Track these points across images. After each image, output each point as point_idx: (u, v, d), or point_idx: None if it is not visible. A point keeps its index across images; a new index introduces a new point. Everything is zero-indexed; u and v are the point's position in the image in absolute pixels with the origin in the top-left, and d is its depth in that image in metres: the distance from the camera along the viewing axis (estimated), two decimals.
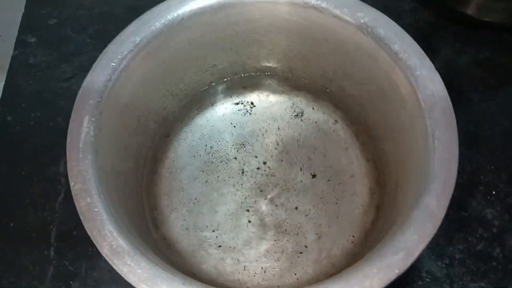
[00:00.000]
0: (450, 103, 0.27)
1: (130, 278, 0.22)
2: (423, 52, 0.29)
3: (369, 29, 0.30)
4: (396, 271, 0.22)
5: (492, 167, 0.38)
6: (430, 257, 0.35)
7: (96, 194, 0.24)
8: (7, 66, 0.44)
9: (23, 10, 0.48)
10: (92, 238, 0.23)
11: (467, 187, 0.37)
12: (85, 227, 0.24)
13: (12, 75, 0.43)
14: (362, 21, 0.30)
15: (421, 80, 0.28)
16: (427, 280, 0.34)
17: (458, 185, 0.37)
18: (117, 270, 0.23)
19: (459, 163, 0.38)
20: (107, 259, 0.23)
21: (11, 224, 0.36)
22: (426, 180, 0.24)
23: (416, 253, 0.22)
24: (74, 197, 0.24)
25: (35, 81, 0.43)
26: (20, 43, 0.45)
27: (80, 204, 0.24)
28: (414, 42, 0.29)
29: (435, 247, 0.35)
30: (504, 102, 0.41)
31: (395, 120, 0.31)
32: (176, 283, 0.22)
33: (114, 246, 0.23)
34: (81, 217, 0.24)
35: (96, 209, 0.24)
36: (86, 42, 0.45)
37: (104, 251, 0.23)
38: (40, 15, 0.47)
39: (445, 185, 0.24)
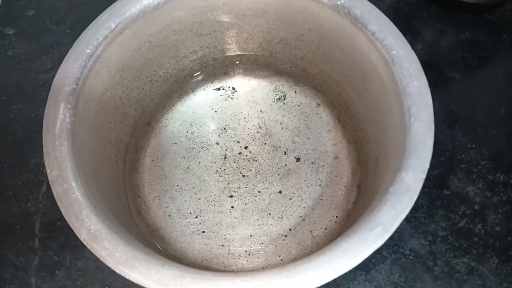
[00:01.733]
0: (426, 81, 0.27)
1: (108, 261, 0.22)
2: (399, 32, 0.29)
3: (346, 10, 0.30)
4: (374, 245, 0.22)
5: (473, 145, 0.39)
6: (413, 235, 0.35)
7: (73, 180, 0.24)
8: None
9: (0, 1, 0.47)
10: (69, 224, 0.23)
11: (448, 165, 0.38)
12: (63, 213, 0.24)
13: None
14: (339, 2, 0.30)
15: (397, 59, 0.28)
16: (411, 257, 0.34)
17: (440, 163, 0.38)
18: (96, 254, 0.23)
19: (440, 141, 0.38)
20: (85, 243, 0.23)
21: None
22: (403, 155, 0.25)
23: (393, 227, 0.23)
24: (51, 183, 0.24)
25: (15, 73, 0.43)
26: None
27: (57, 190, 0.24)
28: (391, 23, 0.29)
29: (418, 225, 0.36)
30: (484, 81, 0.41)
31: (374, 99, 0.31)
32: (154, 265, 0.22)
33: (92, 231, 0.23)
34: (59, 203, 0.24)
35: (73, 195, 0.24)
36: (66, 33, 0.45)
37: (82, 236, 0.23)
38: (18, 7, 0.47)
39: (420, 159, 0.24)
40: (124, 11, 0.30)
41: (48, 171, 0.25)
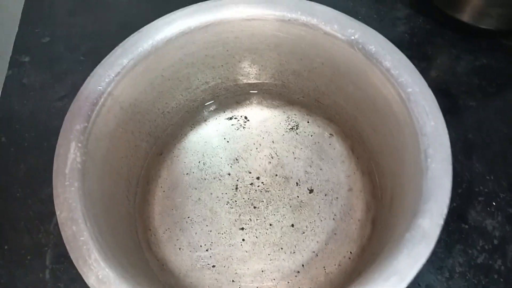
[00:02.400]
0: (443, 120, 0.26)
1: None
2: (415, 69, 0.28)
3: (360, 46, 0.30)
4: None
5: (492, 176, 0.38)
6: (430, 270, 0.34)
7: (82, 222, 0.24)
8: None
9: (17, 29, 0.48)
10: (77, 268, 0.23)
11: (466, 197, 0.37)
12: (71, 256, 0.23)
13: (6, 95, 0.43)
14: (353, 37, 0.30)
15: (413, 97, 0.27)
16: None
17: (457, 196, 0.37)
18: None
19: (458, 172, 0.37)
20: None
21: (6, 247, 0.36)
22: (419, 198, 0.24)
23: (408, 278, 0.22)
24: (60, 226, 0.24)
25: (29, 101, 0.43)
26: (14, 62, 0.45)
27: (66, 233, 0.24)
28: (406, 59, 0.29)
29: (435, 260, 0.35)
30: (502, 109, 0.41)
31: (388, 134, 0.30)
32: None
33: (100, 277, 0.23)
34: (67, 247, 0.24)
35: (82, 238, 0.23)
36: (80, 60, 0.45)
37: (91, 281, 0.23)
38: (34, 34, 0.47)
39: (438, 204, 0.23)
40: (136, 47, 0.30)
41: (57, 213, 0.24)
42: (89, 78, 0.29)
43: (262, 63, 0.36)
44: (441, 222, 0.23)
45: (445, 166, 0.24)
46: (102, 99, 0.28)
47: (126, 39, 0.30)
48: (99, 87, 0.28)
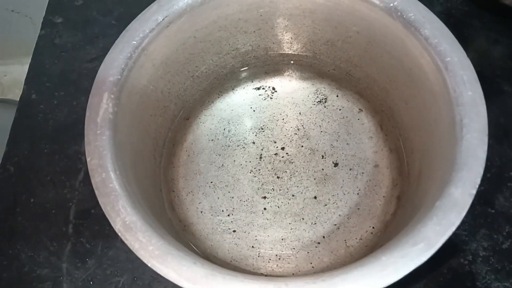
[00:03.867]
0: (481, 90, 0.25)
1: (141, 254, 0.22)
2: (454, 38, 0.28)
3: (399, 13, 0.29)
4: (416, 261, 0.21)
5: None
6: (452, 253, 0.34)
7: (111, 170, 0.24)
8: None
9: None
10: (105, 213, 0.23)
11: (494, 182, 0.36)
12: (100, 202, 0.24)
13: (38, 54, 0.44)
14: (392, 4, 0.29)
15: (451, 66, 0.26)
16: (448, 276, 0.33)
17: (486, 180, 0.36)
18: (129, 246, 0.23)
19: (488, 157, 0.37)
20: (119, 234, 0.23)
21: (32, 200, 0.37)
22: (451, 168, 0.23)
23: (437, 245, 0.21)
24: (90, 172, 0.24)
25: (60, 61, 0.44)
26: (46, 23, 0.46)
27: (96, 179, 0.24)
28: (445, 27, 0.28)
29: (458, 242, 0.34)
30: None
31: (422, 107, 0.30)
32: (186, 262, 0.22)
33: (127, 222, 0.23)
34: (96, 192, 0.24)
35: (111, 185, 0.24)
36: (111, 24, 0.46)
37: (117, 226, 0.23)
38: None
39: (471, 174, 0.22)
40: (172, 4, 0.30)
41: (88, 159, 0.25)
42: (124, 32, 0.29)
43: (295, 30, 0.36)
44: (473, 191, 0.22)
45: (480, 136, 0.24)
46: (135, 54, 0.28)
47: None
48: (133, 42, 0.28)
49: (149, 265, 0.22)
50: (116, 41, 0.29)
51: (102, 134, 0.25)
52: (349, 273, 0.21)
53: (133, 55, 0.28)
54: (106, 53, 0.43)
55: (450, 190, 0.22)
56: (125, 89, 0.28)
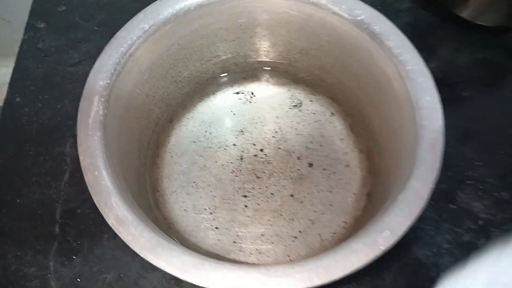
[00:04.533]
0: (438, 96, 0.28)
1: (133, 246, 0.24)
2: (414, 49, 0.31)
3: (365, 26, 0.32)
4: (381, 247, 0.24)
5: (482, 163, 0.40)
6: (419, 245, 0.36)
7: (103, 168, 0.26)
8: (15, 51, 0.45)
9: None
10: (99, 209, 0.25)
11: (456, 180, 0.39)
12: (93, 199, 0.25)
13: (22, 58, 0.45)
14: (359, 18, 0.32)
15: (411, 74, 0.29)
16: (415, 267, 0.35)
17: (448, 178, 0.39)
18: (122, 238, 0.24)
19: (449, 157, 0.40)
20: (113, 227, 0.25)
21: (18, 201, 0.38)
22: (413, 165, 0.26)
23: (401, 232, 0.24)
24: (83, 170, 0.26)
25: (44, 65, 0.44)
26: (30, 28, 0.47)
27: (89, 177, 0.26)
28: (407, 39, 0.31)
29: (424, 236, 0.37)
30: (497, 101, 0.42)
31: (388, 111, 0.33)
32: (176, 252, 0.24)
33: (120, 216, 0.24)
34: (90, 189, 0.25)
35: (103, 182, 0.25)
36: (94, 29, 0.47)
37: (111, 220, 0.25)
38: (50, 2, 0.49)
39: (430, 168, 0.25)
40: (157, 14, 0.32)
41: (81, 159, 0.26)
42: (112, 39, 0.31)
43: (272, 39, 0.38)
44: (432, 185, 0.25)
45: (437, 135, 0.26)
46: (123, 60, 0.30)
47: (148, 6, 0.32)
48: (122, 48, 0.30)
49: (141, 255, 0.24)
50: (105, 47, 0.30)
51: (94, 135, 0.27)
52: (324, 259, 0.23)
53: (121, 61, 0.30)
54: (89, 58, 0.45)
55: (411, 183, 0.25)
56: (113, 93, 0.29)
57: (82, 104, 0.28)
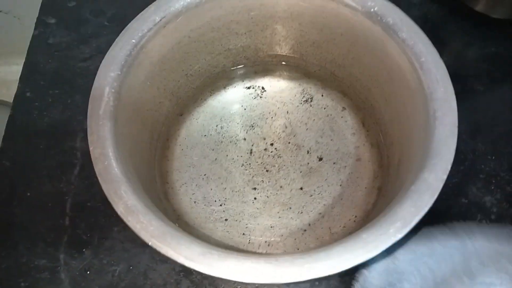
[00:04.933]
0: (452, 87, 0.28)
1: (142, 234, 0.24)
2: (428, 40, 0.30)
3: (379, 17, 0.31)
4: (393, 238, 0.23)
5: (494, 156, 0.39)
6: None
7: (113, 158, 0.26)
8: (25, 49, 0.46)
9: None
10: (108, 198, 0.25)
11: (467, 174, 0.38)
12: (103, 188, 0.25)
13: (32, 53, 0.45)
14: (372, 10, 0.32)
15: (425, 65, 0.29)
16: None
17: (459, 172, 0.38)
18: (131, 227, 0.24)
19: (461, 151, 0.39)
20: (121, 216, 0.25)
21: (28, 194, 0.38)
22: (425, 157, 0.26)
23: (412, 223, 0.24)
24: (93, 160, 0.26)
25: (54, 60, 0.45)
26: (40, 23, 0.47)
27: (99, 166, 0.26)
28: (421, 31, 0.31)
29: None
30: (509, 95, 0.42)
31: (401, 103, 0.32)
32: (184, 241, 0.24)
33: (129, 205, 0.25)
34: (99, 178, 0.25)
35: (113, 172, 0.25)
36: (104, 25, 0.47)
37: (120, 209, 0.25)
38: None
39: (443, 160, 0.25)
40: (169, 6, 0.32)
41: (91, 148, 0.26)
42: (124, 31, 0.31)
43: (283, 33, 0.38)
44: (444, 176, 0.25)
45: (451, 128, 0.26)
46: (134, 52, 0.30)
47: None
48: (133, 40, 0.30)
49: (149, 243, 0.24)
50: (117, 39, 0.31)
51: (104, 125, 0.27)
52: (334, 249, 0.23)
53: (132, 53, 0.30)
54: (100, 53, 0.45)
55: (424, 175, 0.25)
56: (124, 84, 0.30)
57: (93, 94, 0.28)
